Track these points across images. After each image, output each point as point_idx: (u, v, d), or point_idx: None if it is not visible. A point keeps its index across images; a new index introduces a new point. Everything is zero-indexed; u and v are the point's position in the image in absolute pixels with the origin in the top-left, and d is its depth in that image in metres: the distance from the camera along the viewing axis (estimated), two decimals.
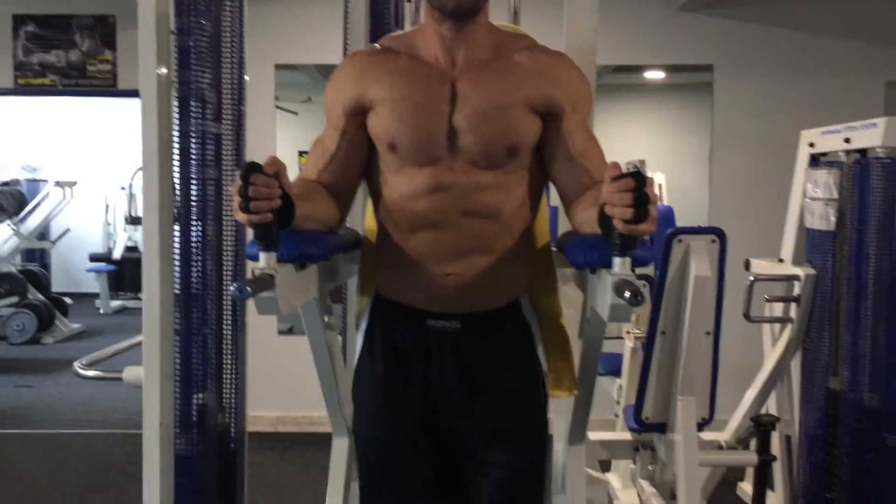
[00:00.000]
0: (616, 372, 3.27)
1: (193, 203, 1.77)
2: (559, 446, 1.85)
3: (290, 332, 4.64)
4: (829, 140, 2.75)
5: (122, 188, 8.79)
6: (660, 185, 4.31)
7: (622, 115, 5.02)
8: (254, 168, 1.17)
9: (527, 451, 1.56)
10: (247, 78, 1.98)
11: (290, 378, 4.26)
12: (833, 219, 2.65)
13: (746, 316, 2.84)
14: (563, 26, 1.87)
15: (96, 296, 8.64)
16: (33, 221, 7.51)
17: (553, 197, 1.65)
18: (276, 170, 1.20)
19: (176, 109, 1.76)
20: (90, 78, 4.51)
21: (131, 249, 8.79)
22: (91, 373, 1.84)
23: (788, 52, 4.45)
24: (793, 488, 3.02)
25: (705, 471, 3.09)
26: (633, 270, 1.22)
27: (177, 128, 1.75)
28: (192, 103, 1.80)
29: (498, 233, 1.48)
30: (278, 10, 4.43)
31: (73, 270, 9.33)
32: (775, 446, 2.91)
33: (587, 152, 1.49)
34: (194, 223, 1.78)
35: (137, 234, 8.86)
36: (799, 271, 2.77)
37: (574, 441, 1.74)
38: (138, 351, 1.94)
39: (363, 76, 1.51)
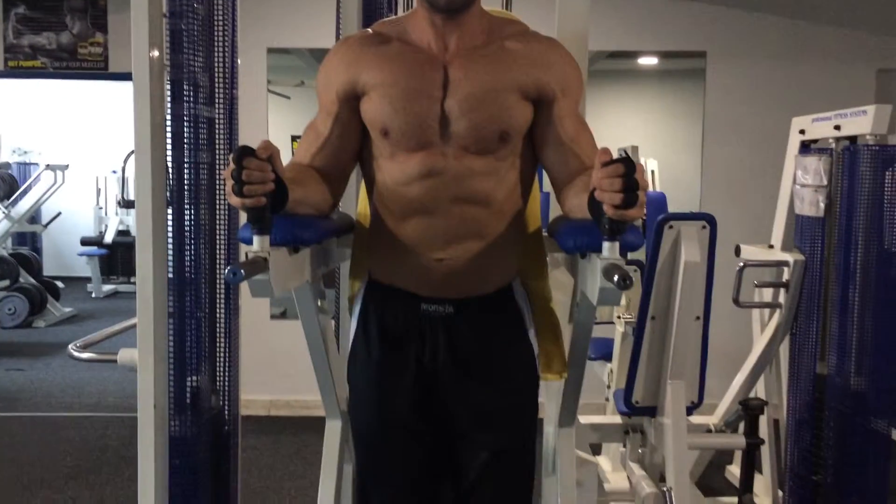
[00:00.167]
0: (607, 356, 3.29)
1: (186, 187, 1.78)
2: (550, 429, 1.87)
3: (282, 316, 4.65)
4: (820, 127, 2.77)
5: (114, 171, 8.75)
6: (652, 172, 4.33)
7: (615, 101, 5.02)
8: (247, 152, 1.18)
9: (518, 432, 1.57)
10: (239, 62, 1.99)
11: (282, 362, 4.28)
12: (822, 205, 2.67)
13: (736, 301, 2.87)
14: (556, 12, 1.87)
15: (88, 280, 8.63)
16: (24, 205, 7.47)
17: (545, 182, 1.66)
18: (269, 154, 1.21)
19: (168, 93, 1.76)
20: (81, 60, 4.48)
21: (123, 233, 8.77)
22: (86, 355, 1.85)
23: (781, 40, 4.46)
24: (780, 471, 3.06)
25: (694, 454, 3.13)
26: (623, 255, 1.23)
27: (169, 111, 1.75)
28: (185, 87, 1.80)
29: (489, 218, 1.49)
30: None
31: (65, 254, 9.32)
32: (763, 430, 2.95)
33: (578, 138, 1.51)
34: (187, 207, 1.79)
35: (129, 218, 8.84)
36: (788, 257, 2.79)
37: (564, 423, 1.76)
38: (132, 334, 1.95)
39: (356, 61, 1.52)
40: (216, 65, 1.91)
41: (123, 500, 3.25)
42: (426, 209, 1.47)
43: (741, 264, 2.89)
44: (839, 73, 4.40)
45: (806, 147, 2.87)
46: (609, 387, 3.24)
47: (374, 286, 1.57)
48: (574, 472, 1.72)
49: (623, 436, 2.69)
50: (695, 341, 2.31)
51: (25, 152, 8.89)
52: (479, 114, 1.45)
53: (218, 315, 1.92)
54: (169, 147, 1.73)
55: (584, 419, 2.52)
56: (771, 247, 3.04)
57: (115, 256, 8.76)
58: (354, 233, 1.67)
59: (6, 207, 7.29)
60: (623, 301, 3.11)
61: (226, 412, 1.96)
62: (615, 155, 1.18)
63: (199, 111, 1.80)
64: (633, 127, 5.06)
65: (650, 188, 3.88)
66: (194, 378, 1.81)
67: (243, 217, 1.23)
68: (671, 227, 2.22)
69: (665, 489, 2.21)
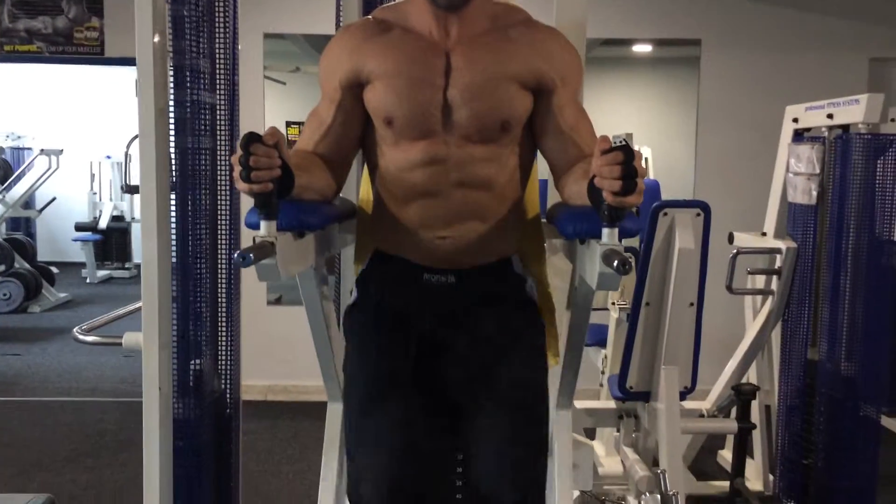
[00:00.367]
0: (601, 342, 3.32)
1: (189, 172, 1.80)
2: None
3: (278, 302, 4.68)
4: (813, 116, 2.80)
5: (108, 157, 8.74)
6: (646, 159, 4.35)
7: (609, 88, 5.04)
8: (254, 138, 1.20)
9: (529, 388, 1.54)
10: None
11: (280, 347, 4.31)
12: (814, 193, 2.70)
13: (729, 288, 2.91)
14: (554, 1, 1.88)
15: (82, 265, 8.62)
16: (18, 190, 7.46)
17: (542, 169, 1.68)
18: (275, 140, 1.23)
19: (171, 79, 1.78)
20: (77, 45, 4.46)
21: (117, 219, 8.77)
22: (90, 338, 1.87)
23: (775, 28, 4.48)
24: (771, 455, 3.11)
25: (687, 438, 3.18)
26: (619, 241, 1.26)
27: (172, 97, 1.76)
28: (187, 73, 1.81)
29: (491, 201, 1.52)
30: None
31: (59, 240, 9.30)
32: (755, 415, 3.00)
33: (577, 126, 1.53)
34: (190, 192, 1.81)
35: (124, 204, 8.83)
36: (780, 244, 2.83)
37: (562, 406, 1.79)
38: (131, 318, 1.98)
39: (358, 49, 1.53)
40: (217, 50, 1.93)
41: (122, 483, 3.28)
42: (429, 192, 1.50)
43: (734, 251, 2.93)
44: (832, 62, 4.42)
45: (799, 135, 2.90)
46: (603, 372, 3.27)
47: (378, 257, 1.61)
48: (570, 454, 1.75)
49: (617, 420, 2.73)
50: (688, 327, 2.35)
51: (19, 137, 8.85)
52: (480, 103, 1.47)
53: (219, 300, 1.95)
54: (172, 133, 1.75)
55: (578, 404, 2.55)
56: (764, 234, 3.08)
57: (110, 242, 8.76)
58: (357, 218, 1.69)
59: (0, 192, 7.28)
60: (619, 286, 3.14)
61: (227, 395, 1.99)
62: (613, 143, 1.21)
63: (201, 97, 1.82)
64: (628, 114, 5.08)
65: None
66: (197, 361, 1.84)
67: (244, 202, 1.25)
68: (666, 214, 2.25)
69: (659, 472, 2.25)
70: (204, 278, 1.86)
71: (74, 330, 1.84)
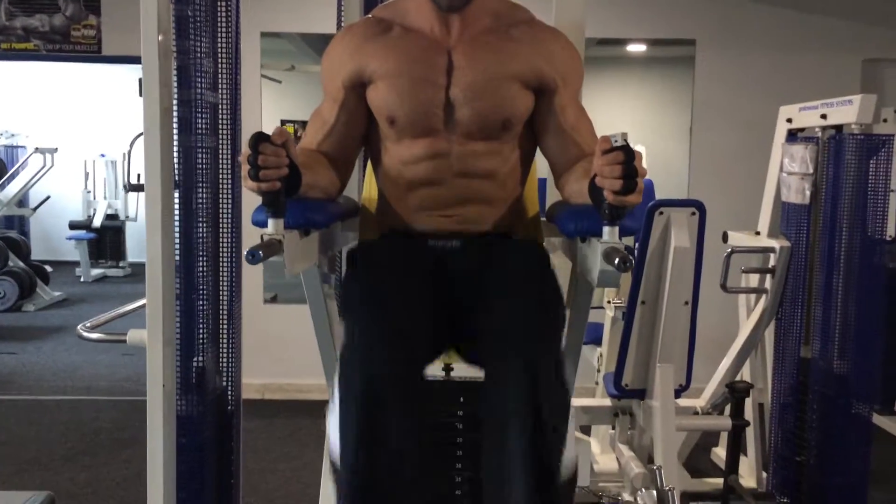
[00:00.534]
0: (596, 341, 3.35)
1: (193, 171, 1.81)
2: None
3: (273, 301, 4.69)
4: (807, 116, 2.82)
5: (102, 155, 8.72)
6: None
7: (604, 87, 5.06)
8: (262, 138, 1.22)
9: (542, 341, 1.35)
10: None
11: (275, 346, 4.32)
12: (808, 193, 2.73)
13: (723, 287, 2.93)
14: (553, 1, 1.91)
15: (76, 264, 8.60)
16: (13, 188, 7.45)
17: (541, 168, 1.71)
18: (283, 140, 1.25)
19: (175, 78, 1.79)
20: (74, 43, 4.46)
21: (111, 217, 8.75)
22: (95, 335, 1.88)
23: (769, 29, 4.51)
24: (765, 452, 3.13)
25: (681, 435, 3.20)
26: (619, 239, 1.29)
27: (176, 96, 1.78)
28: (191, 72, 1.83)
29: (494, 188, 1.55)
30: None
31: (53, 238, 9.28)
32: (749, 412, 3.03)
33: (577, 126, 1.56)
34: (193, 191, 1.82)
35: (118, 202, 8.81)
36: (774, 243, 2.86)
37: None
38: (132, 316, 1.99)
39: (360, 50, 1.55)
40: (219, 49, 1.95)
41: (120, 481, 3.29)
42: (432, 182, 1.52)
43: (728, 250, 2.96)
44: (826, 62, 4.46)
45: (793, 135, 2.93)
46: (599, 370, 3.30)
47: (381, 235, 1.62)
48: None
49: (612, 418, 2.75)
50: (683, 326, 2.38)
51: (13, 135, 8.83)
52: (482, 102, 1.49)
53: (221, 297, 1.96)
54: (176, 132, 1.76)
55: (574, 402, 2.56)
56: (758, 233, 3.10)
57: (104, 240, 8.74)
58: (360, 216, 1.72)
59: None
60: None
61: (229, 393, 2.01)
62: (613, 143, 1.23)
63: (204, 96, 1.84)
64: (622, 113, 5.11)
65: None
66: (199, 359, 1.85)
67: (246, 201, 1.26)
68: (661, 213, 2.27)
69: (654, 468, 2.28)
70: (206, 276, 1.88)
71: (78, 327, 1.86)
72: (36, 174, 7.44)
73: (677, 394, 2.42)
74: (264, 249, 1.21)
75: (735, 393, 2.78)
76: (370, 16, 1.65)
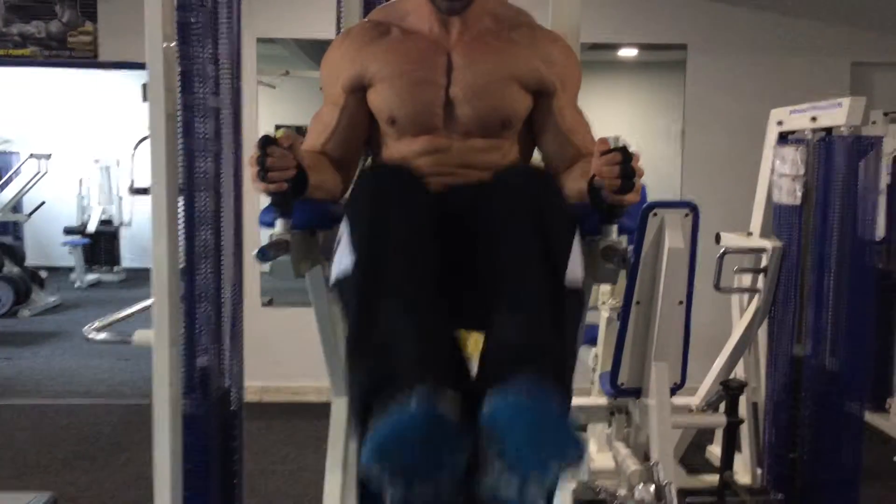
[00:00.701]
0: (592, 341, 3.38)
1: (196, 175, 1.84)
2: None
3: (270, 304, 4.71)
4: (797, 119, 2.87)
5: (96, 161, 8.72)
6: None
7: (596, 91, 5.11)
8: (270, 140, 1.25)
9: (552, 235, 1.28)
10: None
11: (273, 349, 4.34)
12: (799, 194, 2.77)
13: (716, 287, 2.97)
14: (549, 6, 1.94)
15: (70, 269, 8.60)
16: (7, 194, 7.45)
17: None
18: (290, 142, 1.28)
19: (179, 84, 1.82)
20: (70, 49, 4.48)
21: (105, 223, 8.76)
22: (101, 336, 1.91)
23: (760, 33, 4.55)
24: (759, 449, 3.17)
25: (677, 433, 3.24)
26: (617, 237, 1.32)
27: (180, 102, 1.81)
28: (194, 78, 1.86)
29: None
30: None
31: (48, 244, 9.26)
32: (743, 410, 3.06)
33: (575, 128, 1.60)
34: (197, 194, 1.86)
35: (112, 208, 8.82)
36: (766, 244, 2.90)
37: None
38: (133, 320, 2.02)
39: (359, 54, 1.58)
40: (221, 55, 1.98)
41: (121, 485, 3.31)
42: (434, 173, 1.54)
43: (721, 251, 2.99)
44: (816, 66, 4.51)
45: (784, 138, 2.97)
46: (594, 370, 3.33)
47: None
48: None
49: (608, 417, 2.77)
50: (678, 325, 2.40)
51: (7, 141, 8.83)
52: (482, 102, 1.52)
53: (223, 299, 1.99)
54: (180, 136, 1.79)
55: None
56: (750, 234, 3.14)
57: (98, 246, 8.74)
58: None
59: None
60: (607, 287, 3.20)
61: (231, 393, 2.04)
62: (611, 144, 1.27)
63: (207, 101, 1.87)
64: (614, 117, 5.15)
65: None
66: (203, 360, 1.88)
67: (248, 204, 1.29)
68: (655, 214, 2.30)
69: (652, 464, 2.31)
70: (209, 278, 1.91)
71: (84, 329, 1.88)
72: (30, 180, 7.44)
73: (672, 392, 2.44)
74: (273, 248, 1.24)
75: (729, 391, 2.82)
76: (367, 20, 1.68)
